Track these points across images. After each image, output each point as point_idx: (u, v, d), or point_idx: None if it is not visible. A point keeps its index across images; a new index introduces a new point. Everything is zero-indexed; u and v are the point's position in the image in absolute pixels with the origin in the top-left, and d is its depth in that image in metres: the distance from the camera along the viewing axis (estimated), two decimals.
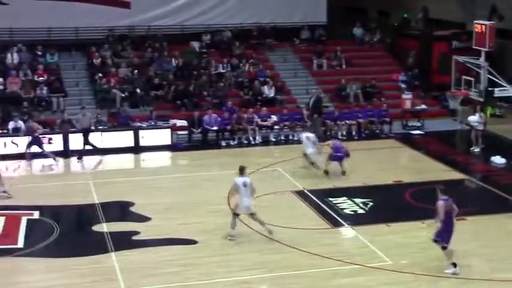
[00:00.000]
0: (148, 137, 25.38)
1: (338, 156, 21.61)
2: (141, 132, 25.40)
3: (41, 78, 28.24)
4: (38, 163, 23.95)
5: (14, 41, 30.16)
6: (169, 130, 25.79)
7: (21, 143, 24.38)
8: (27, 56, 29.50)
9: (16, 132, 24.78)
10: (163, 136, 25.57)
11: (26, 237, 16.79)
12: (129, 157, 24.91)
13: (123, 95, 27.91)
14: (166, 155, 25.19)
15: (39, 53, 29.76)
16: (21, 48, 29.59)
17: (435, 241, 14.49)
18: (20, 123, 25.09)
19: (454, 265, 14.47)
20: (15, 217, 18.06)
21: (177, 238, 16.59)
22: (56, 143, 24.81)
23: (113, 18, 31.80)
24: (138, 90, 28.28)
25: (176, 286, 14.10)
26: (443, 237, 14.35)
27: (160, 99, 28.52)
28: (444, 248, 14.42)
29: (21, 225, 17.48)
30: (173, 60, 30.41)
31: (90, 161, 24.15)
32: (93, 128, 25.10)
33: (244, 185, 16.29)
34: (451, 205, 14.36)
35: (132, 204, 19.09)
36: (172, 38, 32.01)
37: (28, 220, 17.86)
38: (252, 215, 16.39)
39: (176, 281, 14.28)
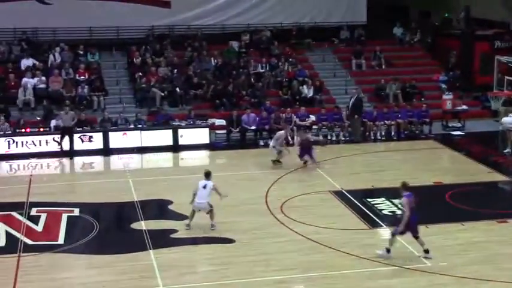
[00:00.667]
0: (187, 136, 25.52)
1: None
2: (180, 131, 25.55)
3: (82, 77, 28.59)
4: (79, 161, 24.25)
5: (56, 40, 30.60)
6: (207, 129, 25.90)
7: (63, 141, 24.70)
8: (69, 55, 29.89)
9: (58, 130, 25.12)
10: (201, 135, 25.69)
11: (67, 233, 17.01)
12: (168, 156, 25.08)
13: (162, 94, 28.10)
14: (205, 153, 25.30)
15: (81, 52, 30.13)
16: (63, 48, 30.00)
17: (393, 234, 14.95)
18: (61, 122, 25.42)
19: (388, 251, 14.91)
20: (56, 214, 18.32)
21: (215, 237, 16.62)
22: (96, 141, 25.09)
23: (154, 18, 32.06)
24: (177, 89, 28.46)
25: (214, 285, 14.12)
26: (404, 230, 14.81)
27: (199, 98, 28.65)
28: (393, 234, 14.91)
29: (62, 222, 17.71)
30: (212, 59, 30.52)
31: (130, 159, 24.38)
32: (75, 127, 24.88)
33: (204, 187, 16.92)
34: (413, 200, 14.80)
35: (170, 202, 19.20)
36: (212, 38, 32.16)
37: (69, 217, 18.08)
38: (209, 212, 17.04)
39: (214, 280, 14.32)
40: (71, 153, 24.30)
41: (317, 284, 14.15)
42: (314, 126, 26.98)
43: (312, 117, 27.23)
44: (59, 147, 24.47)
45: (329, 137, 26.69)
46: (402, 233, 14.99)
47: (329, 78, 31.11)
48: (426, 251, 15.10)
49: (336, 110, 27.65)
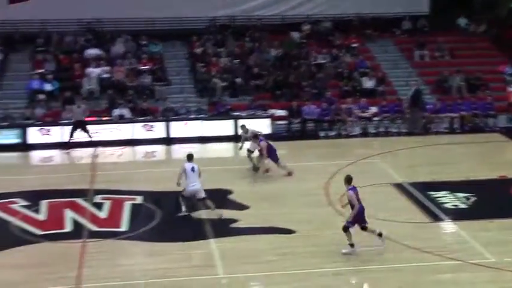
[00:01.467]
0: (247, 126, 25.55)
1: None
2: (241, 121, 25.65)
3: (144, 67, 28.97)
4: (141, 149, 24.63)
5: (120, 31, 31.06)
6: (268, 120, 25.94)
7: (125, 130, 25.14)
8: (132, 45, 30.31)
9: (121, 119, 25.56)
10: (262, 125, 25.74)
11: (129, 221, 17.30)
12: (228, 146, 25.23)
13: (223, 84, 28.26)
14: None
15: (144, 42, 30.52)
16: (127, 38, 30.44)
17: (347, 228, 14.79)
18: (124, 111, 25.87)
19: (352, 245, 14.78)
20: (119, 201, 18.66)
21: (274, 227, 16.65)
22: (157, 130, 25.42)
23: (215, 8, 32.22)
24: (238, 80, 28.57)
25: (273, 275, 14.14)
26: (352, 221, 14.80)
27: (259, 88, 28.71)
28: (346, 229, 14.77)
29: (124, 209, 18.04)
30: (273, 50, 30.52)
31: (188, 149, 24.61)
32: (87, 120, 25.16)
33: (193, 170, 17.07)
34: (357, 193, 14.85)
35: (230, 192, 19.33)
36: (273, 28, 32.14)
37: (131, 205, 18.39)
38: (202, 199, 17.14)
39: (273, 270, 14.33)
40: (92, 144, 24.61)
41: (377, 277, 14.04)
42: (375, 118, 26.76)
43: (373, 109, 26.99)
44: (69, 139, 24.70)
45: (390, 129, 26.41)
46: (352, 224, 14.88)
47: (390, 70, 30.75)
48: (380, 234, 15.02)
49: (398, 101, 27.35)
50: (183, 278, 13.92)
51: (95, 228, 16.87)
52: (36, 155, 24.86)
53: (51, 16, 30.35)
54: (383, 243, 15.06)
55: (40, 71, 28.34)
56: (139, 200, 18.78)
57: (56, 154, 24.57)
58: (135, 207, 18.23)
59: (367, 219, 15.04)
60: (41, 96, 26.95)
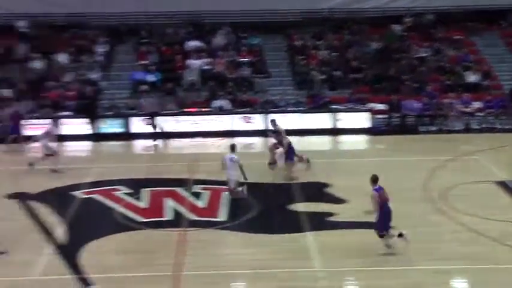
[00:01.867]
0: (346, 120, 25.47)
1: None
2: (339, 115, 25.53)
3: (244, 59, 29.22)
4: (239, 141, 24.87)
5: (220, 23, 31.44)
6: (367, 113, 25.69)
7: (225, 121, 25.47)
8: (233, 37, 30.63)
9: (220, 110, 25.91)
10: (361, 119, 25.53)
11: (227, 211, 17.54)
12: (327, 139, 25.14)
13: (321, 77, 28.16)
14: (364, 138, 25.14)
15: (244, 35, 30.78)
16: (227, 30, 30.79)
17: (381, 236, 14.32)
18: (224, 102, 26.21)
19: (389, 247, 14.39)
20: (217, 191, 18.93)
21: (372, 222, 16.43)
22: (256, 122, 25.63)
23: (315, 1, 32.07)
24: (336, 73, 28.40)
25: (372, 270, 14.01)
26: (381, 226, 14.27)
27: (358, 82, 28.44)
28: (381, 236, 14.29)
29: (222, 200, 18.29)
30: (373, 43, 30.14)
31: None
32: (158, 112, 25.62)
33: (231, 160, 17.86)
34: (383, 194, 14.25)
35: (328, 185, 19.26)
36: (373, 21, 31.72)
37: (229, 195, 18.60)
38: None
39: (371, 266, 14.19)
40: (157, 136, 25.16)
41: (477, 277, 13.66)
42: (478, 113, 26.00)
43: (476, 104, 26.23)
44: (155, 131, 25.35)
45: (495, 126, 25.62)
46: (385, 229, 14.33)
47: (496, 64, 29.77)
48: (400, 235, 14.51)
49: (503, 97, 26.48)
50: (278, 270, 13.97)
51: (194, 217, 17.20)
52: (138, 144, 25.61)
53: (155, 9, 31.08)
54: (407, 240, 14.54)
55: (143, 62, 29.12)
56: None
57: (158, 144, 25.20)
58: (232, 198, 18.43)
59: (391, 224, 14.50)
60: (144, 87, 27.69)
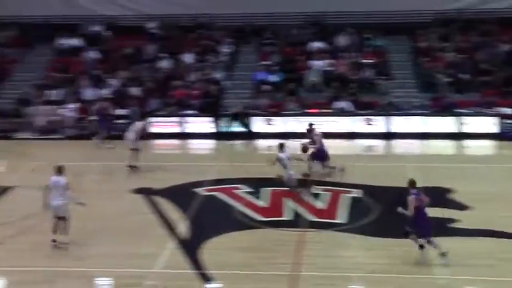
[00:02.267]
0: (472, 124, 24.68)
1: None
2: (465, 119, 24.77)
3: (368, 61, 28.91)
4: (361, 143, 24.70)
5: (343, 24, 31.24)
6: (495, 118, 24.76)
7: (346, 123, 25.31)
8: (356, 38, 30.38)
9: (342, 112, 25.78)
10: (488, 124, 24.66)
11: (346, 213, 17.44)
12: (451, 143, 24.47)
13: (447, 79, 27.42)
14: (491, 143, 24.27)
15: (368, 36, 30.46)
16: (351, 32, 30.57)
17: (429, 242, 14.01)
18: (345, 104, 26.06)
19: (443, 254, 14.00)
20: (336, 193, 18.88)
21: (497, 230, 15.86)
22: (378, 124, 25.31)
23: (441, 2, 31.27)
24: (463, 76, 27.56)
25: (489, 280, 13.50)
26: (415, 228, 14.04)
27: (487, 85, 27.45)
28: (406, 235, 14.17)
29: (341, 202, 18.21)
30: (503, 44, 29.01)
31: (408, 145, 24.28)
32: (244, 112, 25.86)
33: (288, 158, 18.43)
34: (420, 199, 13.91)
35: (451, 191, 18.74)
36: (504, 22, 30.51)
37: (348, 197, 18.51)
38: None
39: (490, 275, 13.68)
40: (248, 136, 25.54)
41: None
42: None
43: None
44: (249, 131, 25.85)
45: None
46: (423, 234, 14.03)
47: None
48: (421, 246, 14.25)
49: None
50: (397, 275, 13.76)
51: (313, 218, 17.21)
52: (259, 144, 25.91)
53: (279, 9, 31.33)
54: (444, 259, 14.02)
55: (266, 62, 29.43)
56: (355, 193, 18.86)
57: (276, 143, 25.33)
58: (352, 200, 18.31)
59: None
60: (266, 87, 27.97)
